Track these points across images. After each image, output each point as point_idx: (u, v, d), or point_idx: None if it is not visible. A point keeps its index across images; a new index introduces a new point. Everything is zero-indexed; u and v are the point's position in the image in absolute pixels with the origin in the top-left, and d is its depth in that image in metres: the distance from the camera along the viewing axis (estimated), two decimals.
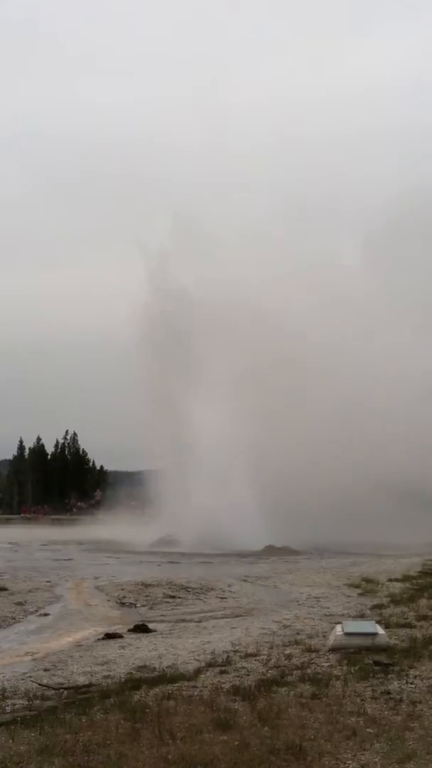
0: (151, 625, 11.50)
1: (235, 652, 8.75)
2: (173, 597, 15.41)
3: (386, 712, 6.09)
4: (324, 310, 41.27)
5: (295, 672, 7.49)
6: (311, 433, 38.07)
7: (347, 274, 43.66)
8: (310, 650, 8.61)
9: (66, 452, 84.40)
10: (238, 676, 7.46)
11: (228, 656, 8.44)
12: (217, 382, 37.72)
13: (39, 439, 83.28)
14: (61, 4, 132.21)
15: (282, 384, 39.42)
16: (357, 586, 16.21)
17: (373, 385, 39.05)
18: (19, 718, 6.14)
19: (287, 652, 8.62)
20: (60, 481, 78.70)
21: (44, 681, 7.72)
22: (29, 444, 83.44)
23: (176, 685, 7.11)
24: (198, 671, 7.77)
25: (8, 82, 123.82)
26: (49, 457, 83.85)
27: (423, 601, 12.53)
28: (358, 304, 42.90)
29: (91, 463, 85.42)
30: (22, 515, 68.22)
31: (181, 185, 73.48)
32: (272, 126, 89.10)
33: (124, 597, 15.34)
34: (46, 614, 13.19)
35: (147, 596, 15.44)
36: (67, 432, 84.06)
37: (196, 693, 6.80)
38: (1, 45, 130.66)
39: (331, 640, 8.65)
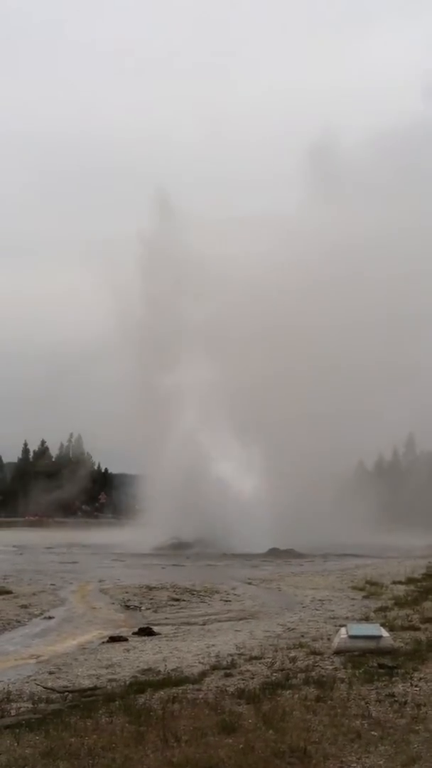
0: (155, 628, 11.51)
1: (240, 655, 8.76)
2: (178, 600, 15.41)
3: (391, 715, 6.08)
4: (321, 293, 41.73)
5: (299, 675, 7.49)
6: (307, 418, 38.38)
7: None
8: (314, 653, 8.61)
9: (70, 455, 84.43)
10: (242, 679, 7.46)
11: (232, 659, 8.45)
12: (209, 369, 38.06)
13: (43, 442, 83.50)
14: (62, 4, 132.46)
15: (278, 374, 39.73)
16: (361, 589, 16.20)
17: (377, 368, 39.33)
18: (24, 721, 6.15)
19: (292, 655, 8.62)
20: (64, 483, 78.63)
21: (49, 684, 7.73)
22: (34, 447, 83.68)
23: (181, 688, 7.12)
24: (203, 674, 7.78)
25: (7, 82, 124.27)
26: (53, 459, 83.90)
27: (427, 604, 12.53)
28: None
29: (95, 466, 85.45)
30: (26, 518, 68.24)
31: (181, 184, 73.78)
32: (272, 124, 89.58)
33: (128, 600, 15.34)
34: (50, 617, 13.21)
35: (151, 599, 15.44)
36: (71, 435, 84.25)
37: (200, 696, 6.81)
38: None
39: (335, 643, 8.65)
